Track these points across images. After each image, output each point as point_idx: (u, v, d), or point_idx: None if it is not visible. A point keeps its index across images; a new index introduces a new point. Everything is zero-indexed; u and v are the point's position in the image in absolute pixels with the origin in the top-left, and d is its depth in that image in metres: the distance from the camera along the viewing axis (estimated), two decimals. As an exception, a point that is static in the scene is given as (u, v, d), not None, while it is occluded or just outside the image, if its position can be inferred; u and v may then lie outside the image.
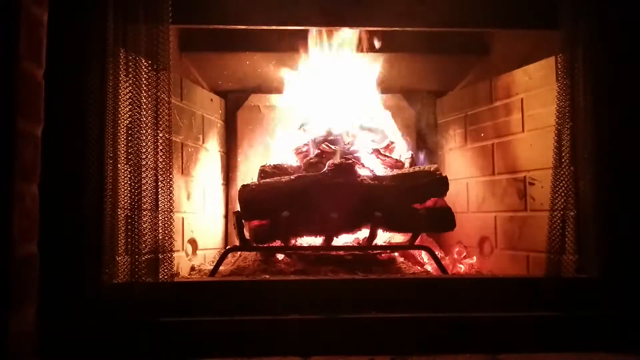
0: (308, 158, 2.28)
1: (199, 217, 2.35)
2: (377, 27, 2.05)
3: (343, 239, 2.17)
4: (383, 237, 2.22)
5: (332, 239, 2.06)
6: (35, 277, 1.32)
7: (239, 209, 2.07)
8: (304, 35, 2.34)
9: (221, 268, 2.01)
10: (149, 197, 1.57)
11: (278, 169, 2.24)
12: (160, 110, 1.61)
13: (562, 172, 1.68)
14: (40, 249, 1.33)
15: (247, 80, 2.63)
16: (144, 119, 1.59)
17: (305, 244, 2.16)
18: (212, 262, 2.23)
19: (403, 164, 2.33)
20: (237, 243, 2.09)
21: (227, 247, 2.42)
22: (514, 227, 2.20)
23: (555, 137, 1.71)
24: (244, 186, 2.08)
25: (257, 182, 2.13)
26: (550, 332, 1.60)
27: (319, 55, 2.38)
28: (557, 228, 1.67)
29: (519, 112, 2.17)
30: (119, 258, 1.54)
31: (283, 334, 1.55)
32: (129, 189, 1.56)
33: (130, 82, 1.59)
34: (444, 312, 1.62)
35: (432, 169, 2.16)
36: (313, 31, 2.32)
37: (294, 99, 2.55)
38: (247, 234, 2.05)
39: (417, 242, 2.10)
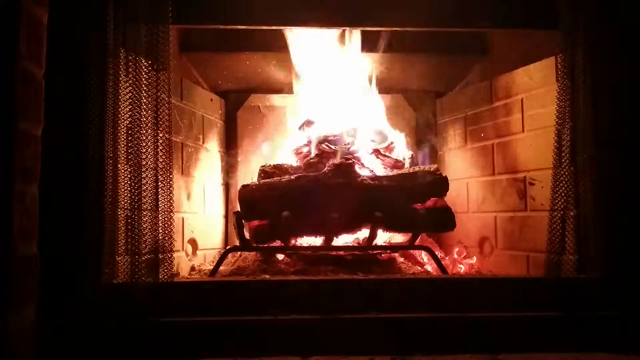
0: (308, 158, 2.28)
1: (199, 217, 2.35)
2: (378, 27, 2.05)
3: (343, 239, 2.16)
4: (383, 237, 2.22)
5: (332, 239, 2.06)
6: (35, 276, 1.33)
7: (239, 209, 2.06)
8: (304, 35, 2.34)
9: (221, 268, 2.01)
10: (149, 197, 1.57)
11: (278, 169, 2.23)
12: (161, 110, 1.61)
13: (562, 172, 1.68)
14: (40, 249, 1.34)
15: (247, 80, 2.63)
16: (144, 119, 1.59)
17: (305, 244, 2.16)
18: (212, 262, 2.23)
19: (403, 164, 2.33)
20: (237, 243, 2.09)
21: (227, 247, 2.42)
22: (514, 227, 2.20)
23: (555, 137, 1.71)
24: (244, 186, 2.08)
25: (257, 182, 2.13)
26: (550, 332, 1.60)
27: (319, 56, 2.38)
28: (557, 228, 1.67)
29: (519, 112, 2.17)
30: (119, 258, 1.54)
31: (283, 334, 1.55)
32: (129, 189, 1.56)
33: (131, 82, 1.59)
34: (444, 312, 1.62)
35: (432, 169, 2.16)
36: (314, 31, 2.32)
37: (294, 99, 2.55)
38: (247, 234, 2.05)
39: (417, 242, 2.10)
